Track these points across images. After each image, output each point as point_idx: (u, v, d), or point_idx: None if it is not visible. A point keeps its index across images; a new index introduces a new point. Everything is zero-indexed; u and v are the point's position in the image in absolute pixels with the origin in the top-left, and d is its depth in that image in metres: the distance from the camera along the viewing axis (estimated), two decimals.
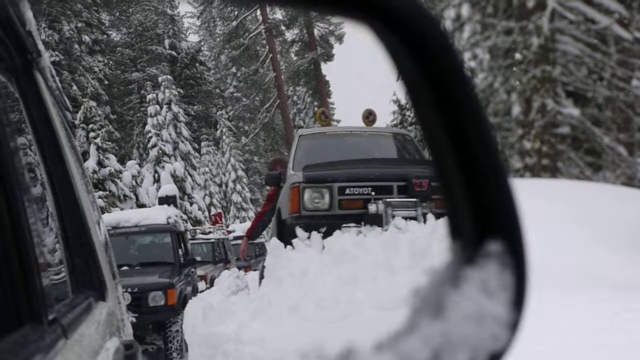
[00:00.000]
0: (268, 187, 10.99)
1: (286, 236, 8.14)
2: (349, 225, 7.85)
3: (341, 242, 6.91)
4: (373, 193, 8.15)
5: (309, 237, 7.49)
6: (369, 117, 11.21)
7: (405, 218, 7.61)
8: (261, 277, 8.50)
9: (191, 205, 39.75)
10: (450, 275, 0.90)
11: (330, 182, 8.33)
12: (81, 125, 33.38)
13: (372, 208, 8.03)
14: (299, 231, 7.60)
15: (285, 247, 7.72)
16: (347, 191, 8.28)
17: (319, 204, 8.31)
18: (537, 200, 9.59)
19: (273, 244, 7.73)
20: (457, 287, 0.87)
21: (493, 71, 20.62)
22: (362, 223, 7.88)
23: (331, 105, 57.23)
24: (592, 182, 16.71)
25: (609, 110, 18.83)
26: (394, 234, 6.89)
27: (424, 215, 7.77)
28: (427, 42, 0.95)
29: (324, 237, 7.36)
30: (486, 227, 0.93)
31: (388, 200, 7.98)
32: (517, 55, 18.76)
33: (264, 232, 11.53)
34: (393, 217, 7.74)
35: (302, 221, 8.12)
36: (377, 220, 7.86)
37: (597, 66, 18.50)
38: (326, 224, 7.89)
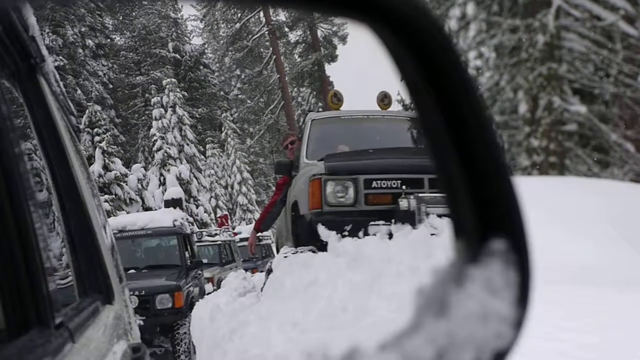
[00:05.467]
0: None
1: (306, 234, 7.67)
2: (377, 222, 7.09)
3: (360, 244, 6.20)
4: (404, 187, 7.39)
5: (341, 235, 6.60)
6: (384, 100, 10.35)
7: (441, 216, 6.67)
8: (266, 281, 8.28)
9: (197, 207, 39.80)
10: (454, 274, 0.90)
11: (355, 174, 7.57)
12: (86, 129, 33.51)
13: (403, 204, 7.25)
14: (321, 229, 6.74)
15: (300, 244, 7.45)
16: (374, 184, 7.53)
17: (343, 198, 7.54)
18: (542, 197, 9.58)
19: (277, 262, 7.21)
20: (461, 286, 0.87)
21: (499, 69, 20.61)
22: (392, 221, 6.91)
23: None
24: (599, 179, 16.68)
25: (616, 107, 18.81)
26: (424, 234, 6.06)
27: None
28: (429, 42, 0.95)
29: (348, 237, 6.53)
30: (489, 225, 0.93)
31: (420, 195, 7.17)
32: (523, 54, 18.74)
33: (270, 233, 11.20)
34: (427, 214, 6.93)
35: (324, 218, 7.31)
36: (409, 218, 6.94)
37: (603, 63, 18.49)
38: (351, 221, 7.16)
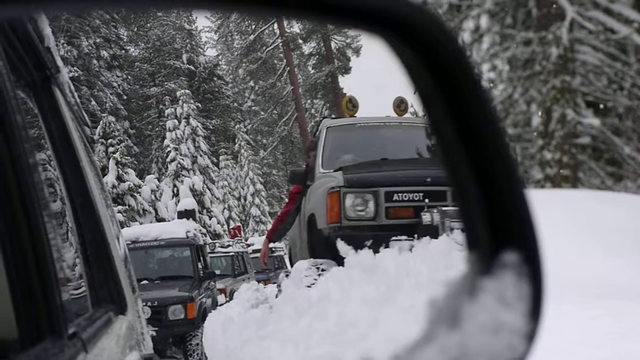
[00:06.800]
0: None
1: (323, 249, 7.40)
2: (399, 238, 6.69)
3: (377, 256, 5.94)
4: (426, 200, 7.08)
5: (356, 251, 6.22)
6: (400, 105, 9.99)
7: None
8: (278, 293, 8.15)
9: (210, 218, 39.82)
10: (467, 285, 0.90)
11: (375, 187, 7.26)
12: (100, 140, 33.63)
13: (426, 218, 6.92)
14: (340, 245, 6.48)
15: (316, 258, 7.25)
16: (395, 197, 7.22)
17: (363, 212, 7.23)
18: (555, 210, 9.53)
19: (285, 284, 7.04)
20: (474, 298, 0.87)
21: (512, 82, 20.56)
22: (415, 236, 6.53)
23: None
24: (610, 192, 16.62)
25: (630, 119, 18.73)
26: (445, 244, 5.78)
27: None
28: (442, 54, 0.96)
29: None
30: (502, 237, 0.93)
31: (444, 209, 6.84)
32: (537, 66, 18.71)
33: (282, 244, 10.95)
34: (451, 229, 6.49)
35: (344, 233, 7.03)
36: (432, 232, 6.53)
37: (617, 76, 18.42)
38: (372, 236, 6.58)
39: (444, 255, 5.49)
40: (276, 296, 8.39)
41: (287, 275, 8.19)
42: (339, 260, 6.47)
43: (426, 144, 8.53)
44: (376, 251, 6.13)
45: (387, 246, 6.40)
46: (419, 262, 5.70)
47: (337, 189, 7.35)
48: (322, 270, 6.95)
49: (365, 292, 5.58)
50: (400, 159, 8.16)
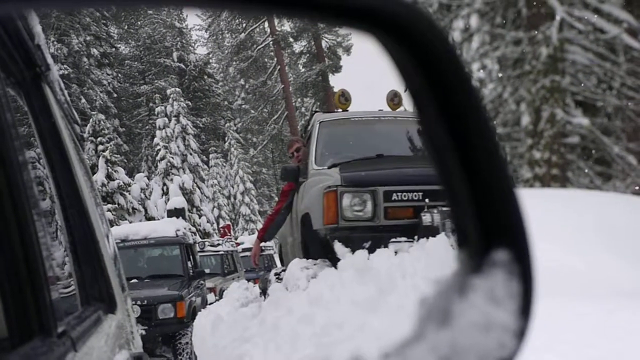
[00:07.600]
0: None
1: (319, 251, 7.19)
2: (398, 239, 6.50)
3: (370, 256, 5.82)
4: (426, 200, 6.79)
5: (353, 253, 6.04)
6: (394, 99, 9.44)
7: None
8: (265, 293, 8.03)
9: (200, 217, 39.75)
10: (457, 284, 0.91)
11: (373, 186, 6.97)
12: (90, 138, 33.58)
13: (426, 218, 6.64)
14: (337, 247, 6.26)
15: (310, 258, 7.12)
16: (394, 197, 6.94)
17: (361, 212, 6.95)
18: (547, 209, 9.55)
19: (274, 288, 6.97)
20: (464, 296, 0.87)
21: (502, 81, 20.60)
22: (416, 237, 6.33)
23: None
24: (602, 191, 16.66)
25: (619, 119, 18.80)
26: (442, 243, 5.57)
27: None
28: (433, 53, 0.96)
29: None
30: (493, 236, 0.93)
31: (445, 209, 6.43)
32: (527, 66, 18.75)
33: (272, 243, 10.77)
34: (453, 231, 6.14)
35: (341, 234, 6.78)
36: (432, 234, 6.23)
37: (606, 75, 18.48)
38: (370, 237, 6.59)
39: (439, 255, 5.36)
40: (264, 297, 8.35)
41: (278, 279, 8.10)
42: (335, 262, 6.28)
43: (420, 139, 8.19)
44: (373, 253, 5.98)
45: (385, 248, 6.24)
46: (415, 262, 5.58)
47: (333, 188, 7.05)
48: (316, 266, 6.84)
49: (356, 293, 5.49)
50: (396, 156, 7.96)
